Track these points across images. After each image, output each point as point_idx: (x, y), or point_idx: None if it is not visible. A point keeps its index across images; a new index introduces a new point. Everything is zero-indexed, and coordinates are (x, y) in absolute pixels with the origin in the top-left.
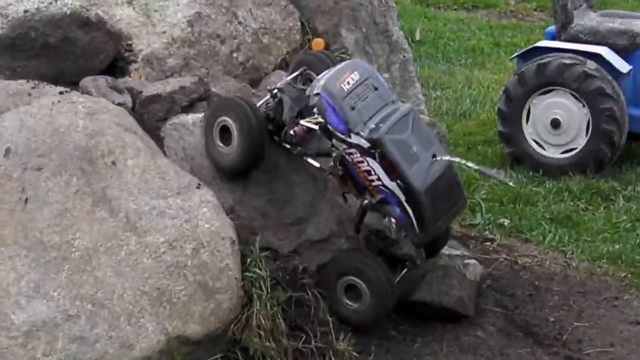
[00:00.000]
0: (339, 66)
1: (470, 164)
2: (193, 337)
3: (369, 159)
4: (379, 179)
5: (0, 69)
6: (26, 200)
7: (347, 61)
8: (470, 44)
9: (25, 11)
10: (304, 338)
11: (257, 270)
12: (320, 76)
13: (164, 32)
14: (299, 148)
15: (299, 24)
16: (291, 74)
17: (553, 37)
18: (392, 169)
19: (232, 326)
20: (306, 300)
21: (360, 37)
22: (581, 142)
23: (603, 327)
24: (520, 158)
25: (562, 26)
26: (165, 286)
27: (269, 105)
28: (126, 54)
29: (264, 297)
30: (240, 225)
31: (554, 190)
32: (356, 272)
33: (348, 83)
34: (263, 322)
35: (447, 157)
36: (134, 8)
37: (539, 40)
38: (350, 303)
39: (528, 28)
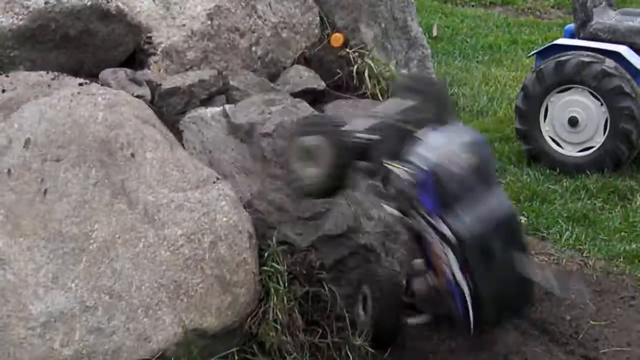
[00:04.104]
0: (458, 140)
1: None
2: (209, 331)
3: (448, 248)
4: (450, 269)
5: (20, 60)
6: (45, 191)
7: (469, 136)
8: (487, 41)
9: (46, 2)
10: (320, 333)
11: (275, 265)
12: (432, 138)
13: (184, 25)
14: (379, 186)
15: (318, 18)
16: (397, 101)
17: (572, 35)
18: (466, 268)
19: (248, 320)
20: (323, 295)
21: (379, 33)
22: (599, 140)
23: (619, 326)
24: (538, 156)
25: (581, 24)
26: (183, 279)
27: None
28: (146, 47)
29: (280, 291)
30: (257, 219)
31: (571, 188)
32: None
33: (462, 169)
34: (280, 316)
35: (528, 265)
36: (153, 0)
37: (557, 37)
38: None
39: (546, 25)
